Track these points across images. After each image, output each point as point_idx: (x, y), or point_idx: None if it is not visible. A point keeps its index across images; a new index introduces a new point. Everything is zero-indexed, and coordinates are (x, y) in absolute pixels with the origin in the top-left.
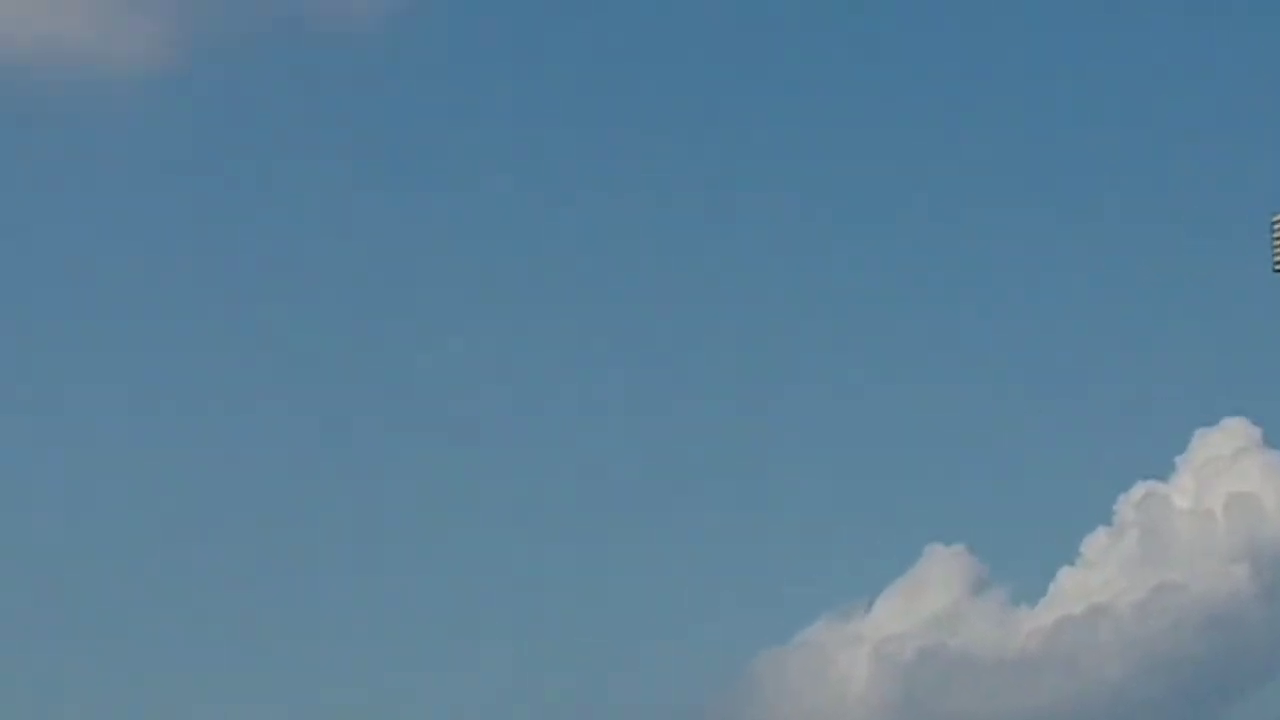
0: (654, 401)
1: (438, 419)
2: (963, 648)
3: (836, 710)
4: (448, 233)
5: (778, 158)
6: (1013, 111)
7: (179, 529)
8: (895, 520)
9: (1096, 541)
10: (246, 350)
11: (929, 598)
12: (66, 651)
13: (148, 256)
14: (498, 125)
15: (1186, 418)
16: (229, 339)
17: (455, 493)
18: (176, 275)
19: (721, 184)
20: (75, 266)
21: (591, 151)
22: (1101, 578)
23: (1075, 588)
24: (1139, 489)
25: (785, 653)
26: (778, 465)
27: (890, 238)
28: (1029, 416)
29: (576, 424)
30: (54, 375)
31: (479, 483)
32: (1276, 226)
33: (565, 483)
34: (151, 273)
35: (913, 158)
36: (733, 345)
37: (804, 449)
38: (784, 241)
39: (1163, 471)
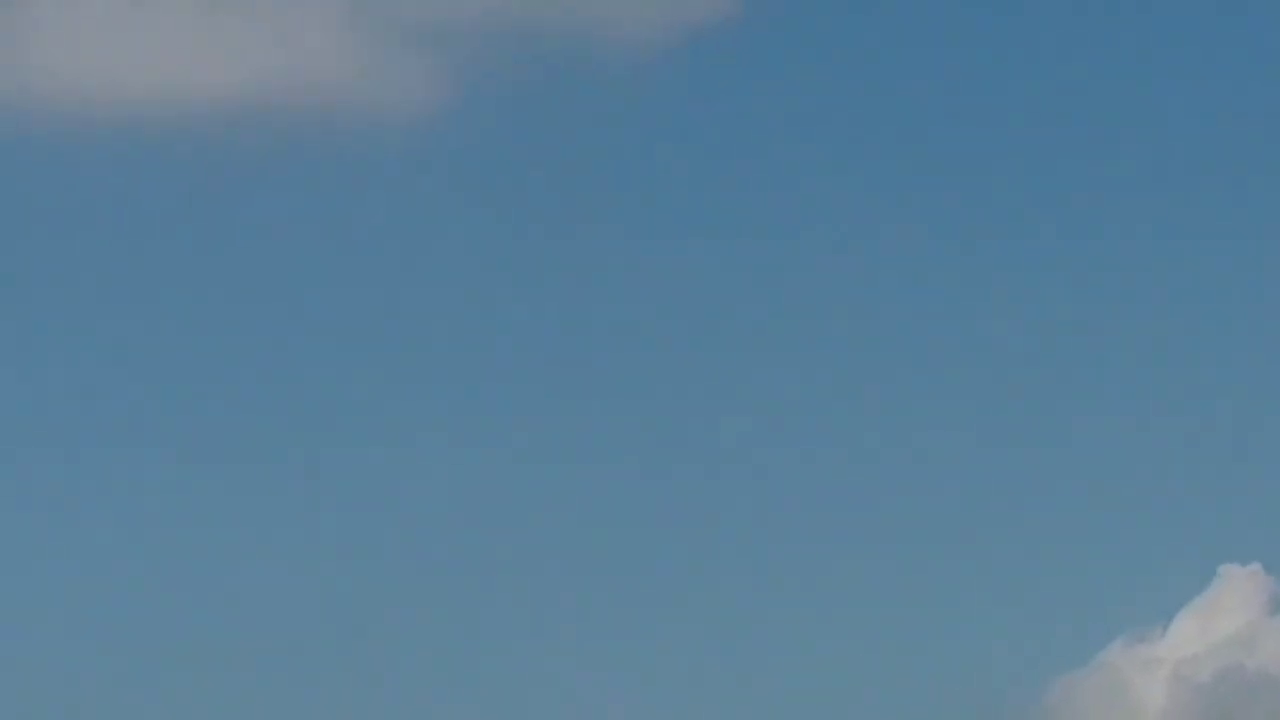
0: (943, 427)
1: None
2: (1261, 668)
3: None
4: (744, 280)
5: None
6: None
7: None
8: (1189, 540)
9: None
10: (530, 412)
11: (1225, 618)
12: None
13: (419, 304)
14: (799, 169)
15: None
16: (508, 391)
17: (702, 512)
18: (456, 320)
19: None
20: (350, 312)
21: (909, 193)
22: None
23: None
24: None
25: (1081, 676)
26: (1069, 488)
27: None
28: None
29: (870, 444)
30: (322, 429)
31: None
32: None
33: (873, 502)
34: (429, 319)
35: None
36: (1033, 369)
37: (1094, 472)
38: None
39: None
